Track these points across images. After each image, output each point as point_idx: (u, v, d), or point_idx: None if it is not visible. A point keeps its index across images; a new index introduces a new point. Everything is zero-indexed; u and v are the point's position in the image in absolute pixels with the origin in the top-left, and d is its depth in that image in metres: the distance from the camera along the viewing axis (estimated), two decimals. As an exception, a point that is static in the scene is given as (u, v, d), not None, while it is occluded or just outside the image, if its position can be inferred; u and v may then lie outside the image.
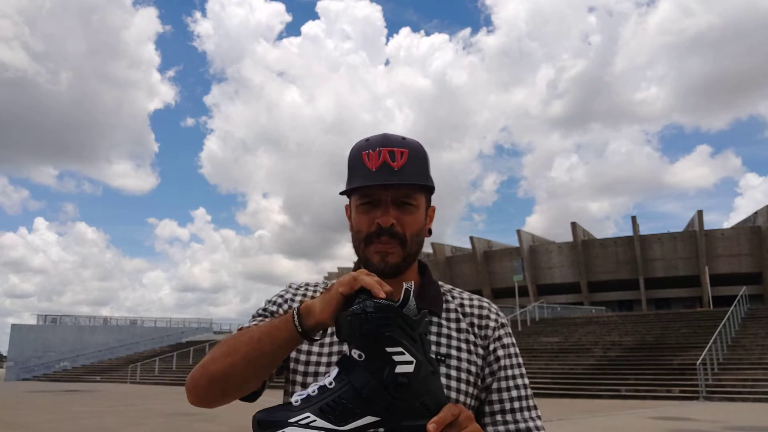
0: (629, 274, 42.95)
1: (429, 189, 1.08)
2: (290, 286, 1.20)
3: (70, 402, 18.92)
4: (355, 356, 0.83)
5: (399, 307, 0.82)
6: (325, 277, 60.33)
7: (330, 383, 0.84)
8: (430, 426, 0.81)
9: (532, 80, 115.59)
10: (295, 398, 0.85)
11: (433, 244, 46.11)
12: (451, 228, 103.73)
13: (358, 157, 1.05)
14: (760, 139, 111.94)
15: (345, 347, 1.01)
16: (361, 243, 1.07)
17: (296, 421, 0.81)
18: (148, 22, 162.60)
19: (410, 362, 0.82)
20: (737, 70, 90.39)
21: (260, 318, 1.13)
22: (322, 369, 1.06)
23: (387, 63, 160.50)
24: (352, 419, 0.81)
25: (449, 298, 1.14)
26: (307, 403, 0.83)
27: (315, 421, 0.81)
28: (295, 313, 0.91)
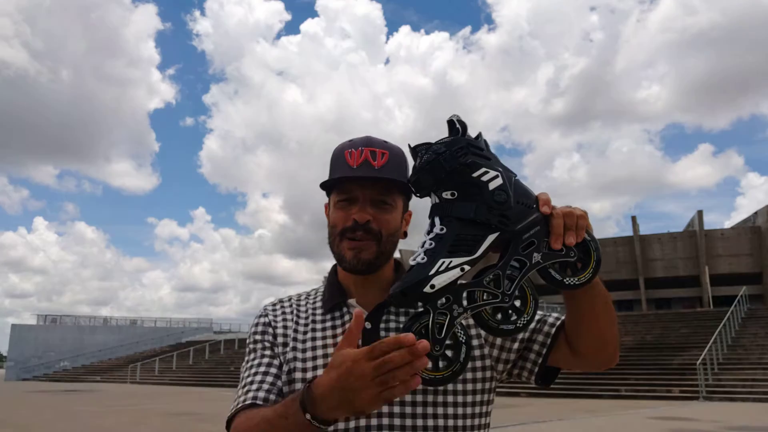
0: (629, 274, 42.90)
1: (407, 193, 1.12)
2: (266, 308, 1.20)
3: (70, 402, 18.91)
4: (448, 196, 0.89)
5: (462, 135, 0.88)
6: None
7: (441, 229, 0.88)
8: (544, 208, 0.91)
9: (533, 79, 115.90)
10: (420, 256, 0.87)
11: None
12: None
13: (340, 155, 1.10)
14: (762, 138, 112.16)
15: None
16: (335, 238, 1.10)
17: (437, 270, 0.84)
18: (147, 19, 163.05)
19: (496, 176, 0.89)
20: (740, 69, 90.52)
21: (253, 355, 1.13)
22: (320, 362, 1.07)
23: (387, 62, 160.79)
24: (479, 244, 0.88)
25: None
26: (434, 253, 0.86)
27: (451, 262, 0.86)
28: (302, 402, 0.83)
